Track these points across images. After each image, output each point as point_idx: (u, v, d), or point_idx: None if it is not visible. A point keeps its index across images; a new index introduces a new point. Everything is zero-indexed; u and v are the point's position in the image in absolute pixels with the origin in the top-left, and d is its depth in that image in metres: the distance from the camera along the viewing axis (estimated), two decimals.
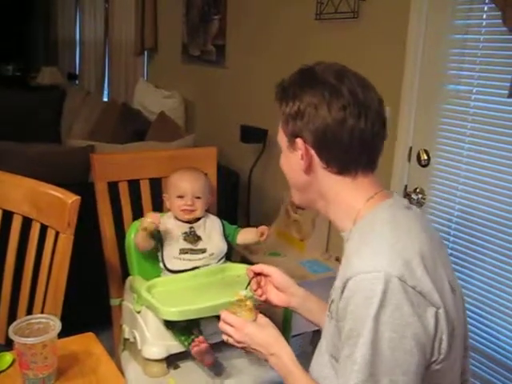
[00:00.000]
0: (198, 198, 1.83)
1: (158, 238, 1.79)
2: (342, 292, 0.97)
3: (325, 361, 1.10)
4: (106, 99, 5.19)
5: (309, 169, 1.09)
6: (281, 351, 1.14)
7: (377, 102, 1.06)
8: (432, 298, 0.94)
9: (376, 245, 0.98)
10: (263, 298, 1.35)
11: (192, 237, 1.81)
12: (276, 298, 1.35)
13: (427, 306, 0.93)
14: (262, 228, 1.84)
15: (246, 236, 1.91)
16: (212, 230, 1.86)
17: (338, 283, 1.02)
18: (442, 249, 1.12)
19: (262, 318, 1.21)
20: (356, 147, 1.04)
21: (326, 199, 1.12)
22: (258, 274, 1.35)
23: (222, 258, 1.86)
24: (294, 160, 1.10)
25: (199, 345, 1.60)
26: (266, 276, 1.35)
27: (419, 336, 0.92)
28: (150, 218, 1.69)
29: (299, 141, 1.07)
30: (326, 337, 1.11)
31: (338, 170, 1.07)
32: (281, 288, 1.34)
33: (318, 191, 1.11)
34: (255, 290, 1.34)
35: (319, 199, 1.13)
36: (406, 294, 0.91)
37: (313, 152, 1.07)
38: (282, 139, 1.14)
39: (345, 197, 1.09)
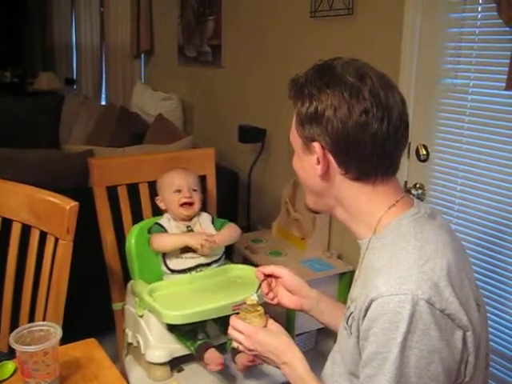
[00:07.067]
0: (195, 190, 1.84)
1: None
2: (366, 312, 0.92)
3: (341, 372, 1.07)
4: (104, 103, 5.18)
5: (326, 174, 1.01)
6: (293, 359, 1.09)
7: (400, 103, 0.98)
8: (460, 321, 0.90)
9: (403, 266, 0.92)
10: (275, 301, 1.29)
11: None
12: (288, 300, 1.28)
13: (455, 329, 0.89)
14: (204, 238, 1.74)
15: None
16: (206, 226, 1.86)
17: (359, 299, 0.96)
18: (465, 260, 1.06)
19: (272, 324, 1.16)
20: (378, 153, 0.97)
21: (343, 206, 1.05)
22: (268, 276, 1.28)
23: (222, 254, 1.85)
24: (309, 163, 1.03)
25: (215, 362, 1.57)
26: (276, 278, 1.28)
27: (446, 361, 0.89)
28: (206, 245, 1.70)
29: (316, 145, 0.99)
30: (344, 351, 1.05)
31: (356, 177, 1.00)
32: (293, 290, 1.27)
33: (335, 197, 1.04)
34: (266, 294, 1.27)
35: (336, 205, 1.06)
36: (433, 318, 0.87)
37: (330, 157, 0.99)
38: (295, 140, 1.06)
39: (364, 204, 1.02)
